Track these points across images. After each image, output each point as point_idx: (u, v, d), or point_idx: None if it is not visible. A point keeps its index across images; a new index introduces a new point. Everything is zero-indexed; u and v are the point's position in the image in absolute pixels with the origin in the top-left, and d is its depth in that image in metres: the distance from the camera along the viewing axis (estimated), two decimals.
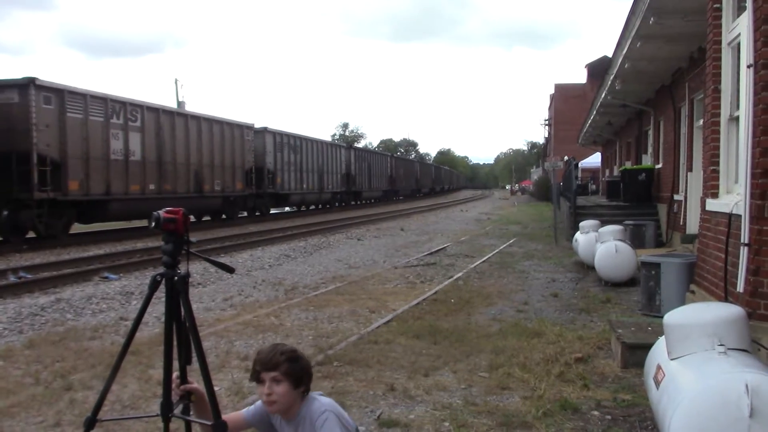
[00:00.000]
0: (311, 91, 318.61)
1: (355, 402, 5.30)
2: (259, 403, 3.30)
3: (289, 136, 36.65)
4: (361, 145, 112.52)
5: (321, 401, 3.10)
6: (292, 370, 3.02)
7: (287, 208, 39.59)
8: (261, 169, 32.25)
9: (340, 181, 45.35)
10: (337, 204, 45.38)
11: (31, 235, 19.40)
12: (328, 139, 47.90)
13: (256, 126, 32.61)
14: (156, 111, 24.21)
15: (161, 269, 3.35)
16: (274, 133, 34.40)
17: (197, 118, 27.13)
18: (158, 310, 6.64)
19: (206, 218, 29.53)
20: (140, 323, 3.41)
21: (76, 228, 22.30)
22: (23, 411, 5.22)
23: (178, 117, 25.70)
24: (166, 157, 24.43)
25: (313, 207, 42.03)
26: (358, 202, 50.67)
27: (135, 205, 22.66)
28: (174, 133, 25.01)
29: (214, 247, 18.31)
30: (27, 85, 18.35)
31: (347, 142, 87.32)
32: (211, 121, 28.08)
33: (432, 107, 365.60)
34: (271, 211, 35.71)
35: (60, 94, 19.54)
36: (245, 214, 32.39)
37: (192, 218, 26.72)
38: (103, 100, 21.35)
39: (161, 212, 3.25)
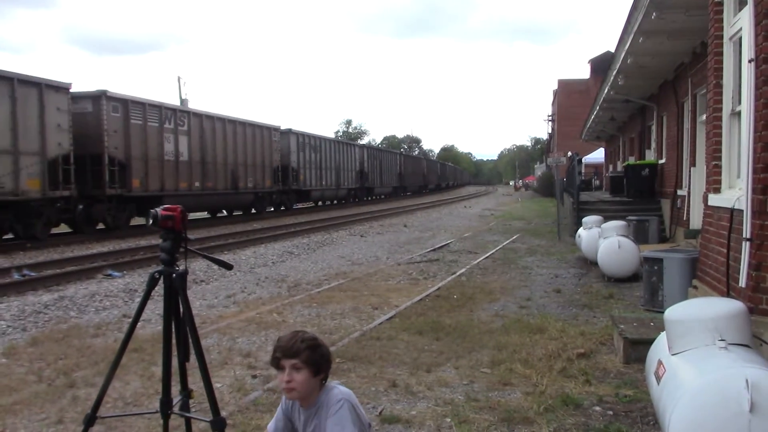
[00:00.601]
0: (314, 87, 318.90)
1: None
2: (278, 410, 3.30)
3: (310, 136, 39.49)
4: (364, 141, 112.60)
5: (340, 389, 3.11)
6: (313, 357, 3.02)
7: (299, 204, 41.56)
8: (286, 167, 35.11)
9: (355, 177, 48.13)
10: (351, 200, 48.05)
11: (100, 226, 22.55)
12: (332, 135, 48.92)
13: (282, 128, 35.30)
14: (200, 116, 27.09)
15: (160, 267, 3.36)
16: (297, 134, 37.07)
17: (233, 122, 29.59)
18: (161, 308, 6.66)
19: (235, 213, 32.26)
20: (139, 320, 3.42)
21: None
22: (26, 408, 5.23)
23: (217, 121, 28.20)
24: (208, 158, 27.24)
25: (329, 202, 44.92)
26: (370, 198, 53.20)
27: (184, 200, 23.63)
28: (214, 136, 27.74)
29: (218, 244, 18.33)
30: (99, 96, 21.09)
31: (350, 138, 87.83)
32: (245, 124, 30.67)
33: (435, 103, 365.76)
34: (294, 206, 38.25)
35: (125, 103, 22.14)
36: (272, 209, 35.06)
37: (224, 212, 31.61)
38: (158, 108, 24.08)
39: (159, 209, 3.26)
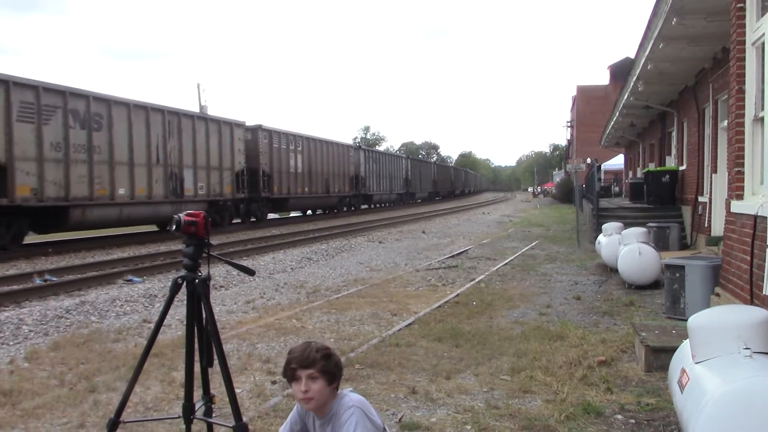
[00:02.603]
0: (332, 93, 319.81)
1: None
2: (292, 413, 3.30)
3: (373, 151, 52.48)
4: (382, 147, 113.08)
5: (351, 397, 3.12)
6: (327, 367, 3.05)
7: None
8: (357, 176, 44.77)
9: (402, 184, 57.94)
10: (400, 202, 57.33)
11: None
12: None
13: (353, 144, 47.33)
14: (307, 139, 36.41)
15: (183, 272, 3.37)
16: (365, 150, 48.81)
17: (325, 142, 39.12)
18: (181, 313, 6.68)
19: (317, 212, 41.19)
20: (162, 325, 3.43)
21: (102, 232, 22.95)
22: (48, 412, 5.27)
23: (316, 142, 37.56)
24: (312, 170, 36.46)
25: (383, 204, 52.84)
26: (413, 201, 62.42)
27: (300, 201, 36.25)
28: (315, 153, 37.04)
29: (237, 250, 18.41)
30: (257, 129, 30.63)
31: (368, 144, 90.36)
32: (331, 143, 40.26)
33: (453, 109, 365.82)
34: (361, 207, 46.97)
35: (270, 132, 31.66)
36: (343, 209, 43.20)
37: (320, 211, 41.10)
38: (286, 135, 33.60)
39: (182, 215, 3.27)
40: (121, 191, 20.99)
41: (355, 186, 43.97)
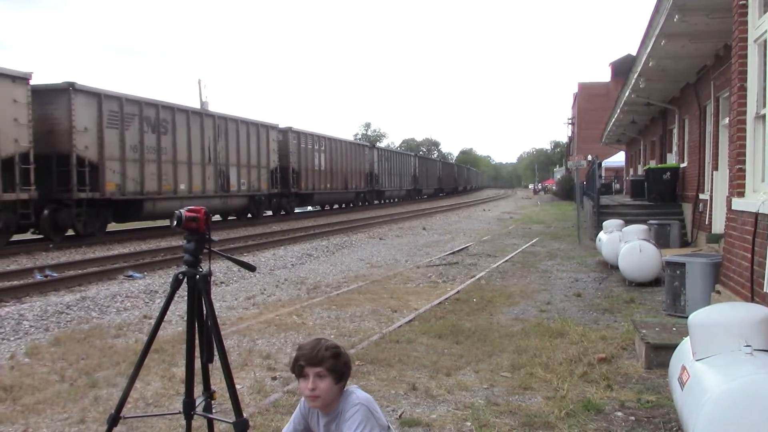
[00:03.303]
0: (332, 89, 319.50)
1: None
2: (295, 413, 3.30)
3: (387, 150, 58.43)
4: (383, 144, 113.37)
5: (358, 395, 3.10)
6: (336, 365, 3.03)
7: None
8: (370, 173, 48.40)
9: (411, 181, 61.57)
10: (408, 198, 60.68)
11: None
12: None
13: (368, 144, 52.35)
14: (329, 139, 40.04)
15: (184, 268, 3.37)
16: (379, 149, 53.96)
17: (344, 142, 43.65)
18: (182, 309, 6.68)
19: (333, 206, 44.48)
20: (162, 321, 3.42)
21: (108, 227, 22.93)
22: (49, 408, 5.28)
23: (336, 141, 41.42)
24: (332, 168, 40.06)
25: (393, 200, 56.68)
26: (419, 197, 65.61)
27: (323, 196, 39.73)
28: (335, 152, 40.61)
29: (237, 246, 18.42)
30: (286, 130, 33.71)
31: (370, 141, 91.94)
32: (349, 143, 44.92)
33: (454, 106, 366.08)
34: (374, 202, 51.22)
35: (298, 133, 35.07)
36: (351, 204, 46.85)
37: (336, 205, 44.57)
38: (312, 136, 37.13)
39: (183, 211, 3.26)
40: (182, 186, 24.38)
41: (369, 182, 47.98)
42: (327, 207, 42.67)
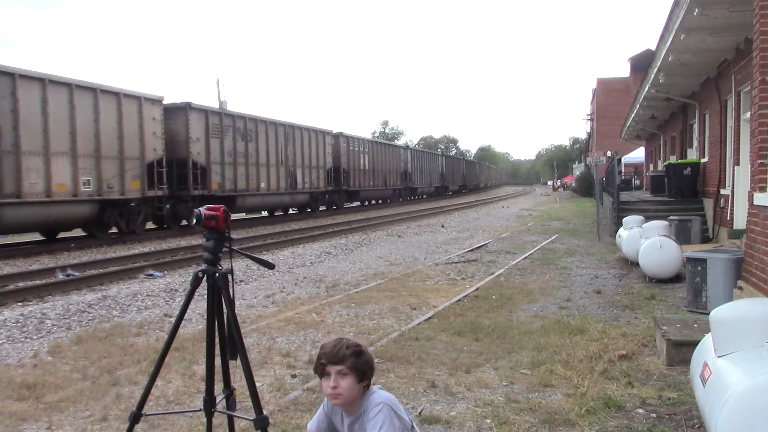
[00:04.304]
0: (351, 88, 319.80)
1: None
2: (319, 411, 3.30)
3: (418, 150, 62.26)
4: (400, 142, 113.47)
5: (380, 394, 3.10)
6: (358, 364, 3.02)
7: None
8: (405, 172, 52.95)
9: (439, 178, 66.19)
10: (437, 194, 65.05)
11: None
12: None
13: (403, 145, 59.05)
14: (371, 142, 45.53)
15: (203, 266, 3.38)
16: (412, 150, 58.05)
17: (383, 144, 50.28)
18: (202, 307, 6.72)
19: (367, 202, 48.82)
20: (182, 319, 3.44)
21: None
22: (71, 405, 5.33)
23: (375, 144, 46.71)
24: (375, 167, 44.69)
25: (423, 196, 60.26)
26: (446, 193, 70.16)
27: (368, 193, 44.85)
28: (376, 154, 45.06)
29: (257, 244, 18.50)
30: (338, 135, 38.77)
31: (388, 138, 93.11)
32: (387, 145, 51.25)
33: (472, 103, 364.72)
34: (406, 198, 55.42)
35: (347, 138, 40.00)
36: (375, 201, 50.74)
37: (380, 201, 49.73)
38: (358, 139, 42.13)
39: (202, 209, 3.28)
40: (263, 185, 29.04)
41: (404, 180, 52.86)
42: (368, 202, 47.71)
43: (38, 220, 18.21)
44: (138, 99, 21.20)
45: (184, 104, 23.84)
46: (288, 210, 34.63)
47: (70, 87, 18.46)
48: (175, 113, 23.66)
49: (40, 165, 17.40)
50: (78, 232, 21.73)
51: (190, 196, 23.76)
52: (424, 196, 60.54)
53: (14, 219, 17.02)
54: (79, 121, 18.68)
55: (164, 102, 22.81)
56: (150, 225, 24.15)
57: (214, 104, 27.89)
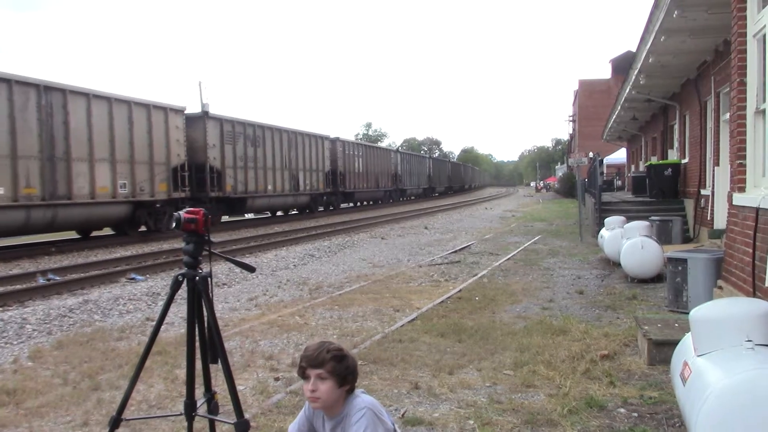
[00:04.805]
0: (333, 89, 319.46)
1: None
2: (300, 414, 3.30)
3: (408, 154, 65.25)
4: (384, 144, 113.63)
5: (363, 399, 3.09)
6: (337, 368, 3.01)
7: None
8: (395, 174, 55.17)
9: (426, 180, 68.59)
10: (424, 195, 67.47)
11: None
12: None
13: (393, 149, 63.57)
14: (365, 146, 48.66)
15: (184, 269, 3.37)
16: (402, 153, 60.72)
17: (376, 147, 54.60)
18: (184, 311, 6.68)
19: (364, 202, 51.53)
20: (163, 323, 3.43)
21: (104, 230, 23.51)
22: (52, 411, 5.29)
23: (370, 148, 50.25)
24: (368, 170, 47.29)
25: (412, 197, 62.42)
26: (433, 195, 72.33)
27: (362, 194, 47.16)
28: (369, 157, 47.53)
29: (240, 247, 18.43)
30: (335, 140, 41.18)
31: (371, 140, 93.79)
32: (379, 149, 54.90)
33: (455, 105, 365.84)
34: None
35: (344, 142, 42.47)
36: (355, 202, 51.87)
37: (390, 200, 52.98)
38: (352, 144, 45.22)
39: (182, 212, 3.26)
40: (270, 187, 31.30)
41: (395, 182, 55.18)
42: (361, 203, 49.57)
43: (82, 219, 20.03)
44: (164, 110, 23.31)
45: (202, 113, 26.20)
46: (288, 211, 36.66)
47: (110, 100, 20.60)
48: (194, 121, 25.84)
49: (86, 170, 19.57)
50: (62, 236, 21.62)
51: (207, 197, 26.01)
52: (412, 197, 62.76)
53: (65, 218, 19.06)
54: (117, 131, 20.86)
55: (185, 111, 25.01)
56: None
57: (197, 106, 29.53)
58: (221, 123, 27.28)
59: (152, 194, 22.53)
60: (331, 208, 40.59)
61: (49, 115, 18.26)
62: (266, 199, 31.46)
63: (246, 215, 33.93)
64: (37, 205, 17.83)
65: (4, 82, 16.96)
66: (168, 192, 23.43)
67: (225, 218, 29.86)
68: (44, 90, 18.08)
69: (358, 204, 48.85)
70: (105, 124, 20.28)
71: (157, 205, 23.07)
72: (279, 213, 35.90)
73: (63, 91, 18.66)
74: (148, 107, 22.33)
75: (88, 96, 19.55)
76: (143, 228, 22.85)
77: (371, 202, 51.19)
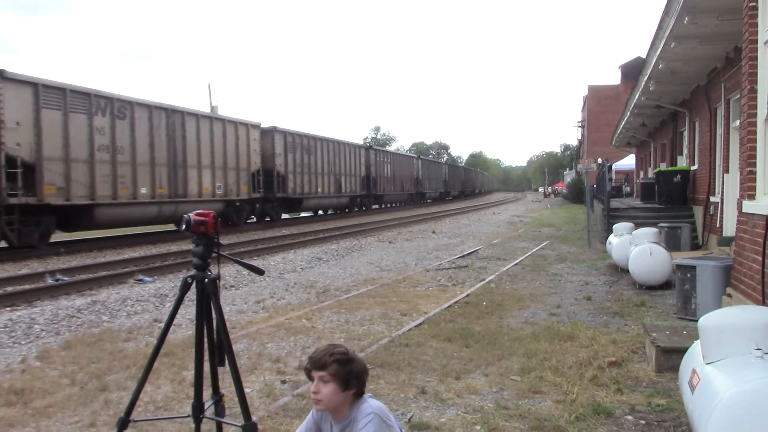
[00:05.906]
0: (342, 93, 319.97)
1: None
2: (308, 417, 3.29)
3: (426, 160, 70.49)
4: (392, 148, 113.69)
5: (370, 403, 3.07)
6: (340, 371, 2.99)
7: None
8: (417, 179, 59.76)
9: (443, 184, 73.38)
10: (440, 199, 71.47)
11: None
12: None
13: (415, 155, 66.95)
14: (392, 153, 54.59)
15: (193, 272, 3.37)
16: (423, 159, 66.55)
17: (400, 154, 60.34)
18: (192, 313, 6.69)
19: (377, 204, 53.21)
20: (171, 325, 3.43)
21: (111, 232, 23.88)
22: (59, 411, 5.31)
23: (396, 155, 56.63)
24: (395, 174, 51.86)
25: (430, 201, 66.54)
26: (448, 198, 76.11)
27: (391, 197, 51.80)
28: (396, 163, 52.33)
29: (247, 249, 18.46)
30: (369, 147, 47.56)
31: (379, 144, 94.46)
32: (403, 155, 60.17)
33: (463, 109, 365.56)
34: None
35: (375, 150, 47.95)
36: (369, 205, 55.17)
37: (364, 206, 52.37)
38: (383, 152, 50.47)
39: (192, 215, 3.27)
40: (319, 189, 36.78)
41: (416, 186, 59.71)
42: (389, 205, 52.88)
43: None
44: (246, 125, 28.91)
45: (271, 128, 31.59)
46: (334, 210, 42.06)
47: (211, 119, 26.45)
48: (265, 134, 31.17)
49: (195, 175, 24.94)
50: (69, 237, 21.72)
51: (275, 197, 31.70)
52: (429, 201, 66.76)
53: (182, 212, 19.77)
54: (216, 143, 26.33)
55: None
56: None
57: (206, 107, 30.94)
58: (285, 135, 32.82)
59: (238, 194, 28.04)
60: (364, 208, 45.13)
61: (173, 131, 23.56)
62: (317, 199, 37.20)
63: (301, 213, 39.96)
64: (166, 202, 23.03)
65: (146, 107, 22.19)
66: (249, 192, 28.89)
67: (284, 216, 35.09)
68: (171, 112, 23.44)
69: (387, 206, 52.20)
70: (207, 138, 25.77)
71: (237, 204, 28.19)
72: (330, 212, 41.57)
73: (182, 113, 24.10)
74: (235, 123, 27.85)
75: (197, 116, 25.20)
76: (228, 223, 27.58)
77: (396, 204, 54.92)
